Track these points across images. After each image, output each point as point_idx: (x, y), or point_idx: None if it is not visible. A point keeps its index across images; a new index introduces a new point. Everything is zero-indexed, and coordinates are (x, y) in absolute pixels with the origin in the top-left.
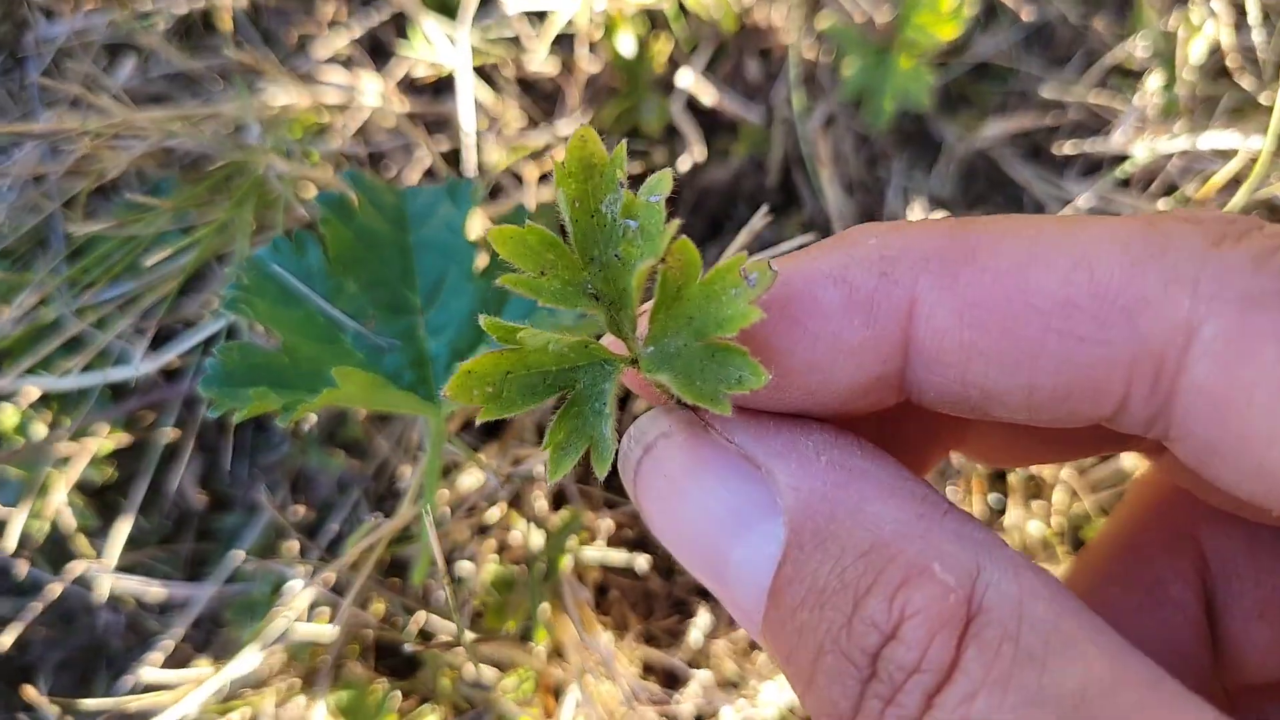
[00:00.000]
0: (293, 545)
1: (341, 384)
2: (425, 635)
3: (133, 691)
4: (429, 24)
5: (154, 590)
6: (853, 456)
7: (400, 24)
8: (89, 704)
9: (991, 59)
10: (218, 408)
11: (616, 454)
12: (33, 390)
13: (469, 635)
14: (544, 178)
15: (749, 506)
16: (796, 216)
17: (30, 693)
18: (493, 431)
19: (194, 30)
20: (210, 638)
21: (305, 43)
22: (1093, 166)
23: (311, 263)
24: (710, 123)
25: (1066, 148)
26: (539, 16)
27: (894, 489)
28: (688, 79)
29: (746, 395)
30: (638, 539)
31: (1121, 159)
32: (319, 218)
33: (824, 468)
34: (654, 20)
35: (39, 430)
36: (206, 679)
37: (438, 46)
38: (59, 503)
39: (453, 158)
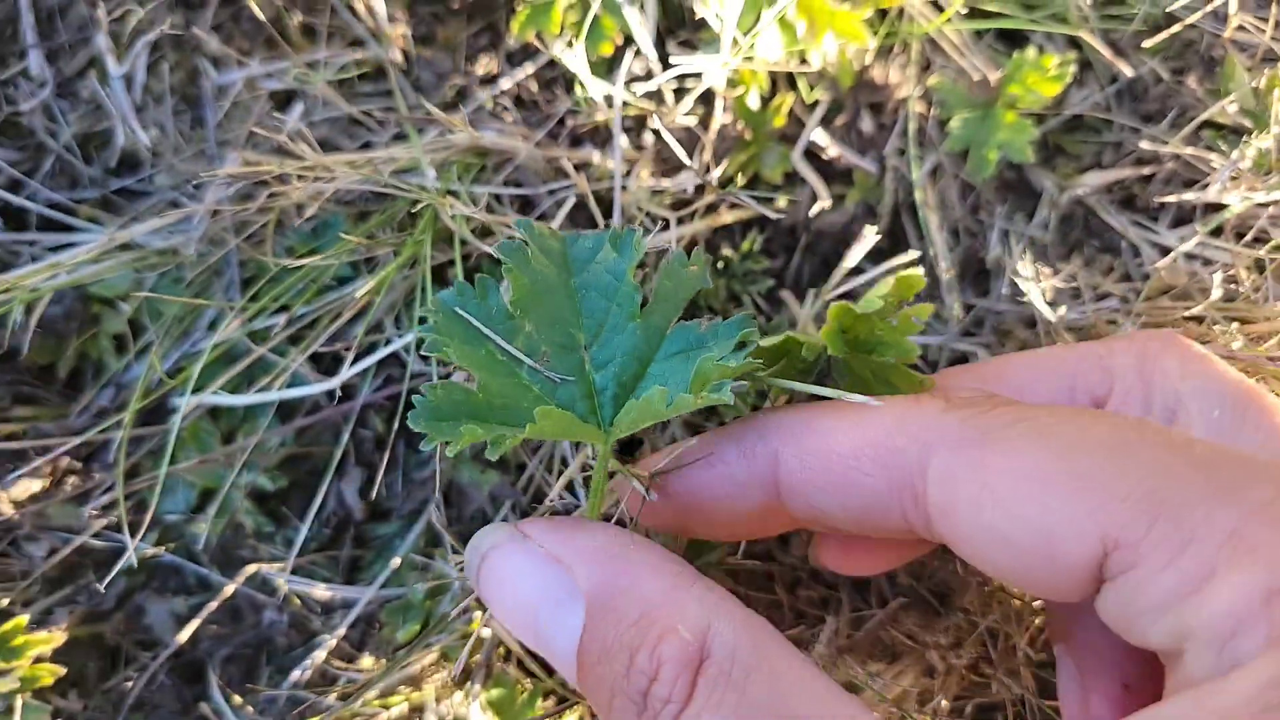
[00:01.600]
0: (446, 553)
1: (540, 421)
2: None
3: (305, 684)
4: (591, 82)
5: (319, 591)
6: (630, 548)
7: (541, 76)
8: (273, 692)
9: (1086, 113)
10: (430, 441)
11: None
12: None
13: None
14: (680, 221)
15: (559, 593)
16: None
17: (218, 687)
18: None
19: (350, 80)
20: (365, 637)
21: (459, 93)
22: (1184, 215)
23: (493, 305)
24: (826, 170)
25: (1161, 198)
26: (681, 76)
27: (658, 570)
28: (814, 130)
29: (654, 512)
30: (764, 551)
31: (1213, 207)
32: (503, 264)
33: (609, 560)
34: (776, 79)
35: (215, 443)
36: (375, 674)
37: (597, 102)
38: (235, 508)
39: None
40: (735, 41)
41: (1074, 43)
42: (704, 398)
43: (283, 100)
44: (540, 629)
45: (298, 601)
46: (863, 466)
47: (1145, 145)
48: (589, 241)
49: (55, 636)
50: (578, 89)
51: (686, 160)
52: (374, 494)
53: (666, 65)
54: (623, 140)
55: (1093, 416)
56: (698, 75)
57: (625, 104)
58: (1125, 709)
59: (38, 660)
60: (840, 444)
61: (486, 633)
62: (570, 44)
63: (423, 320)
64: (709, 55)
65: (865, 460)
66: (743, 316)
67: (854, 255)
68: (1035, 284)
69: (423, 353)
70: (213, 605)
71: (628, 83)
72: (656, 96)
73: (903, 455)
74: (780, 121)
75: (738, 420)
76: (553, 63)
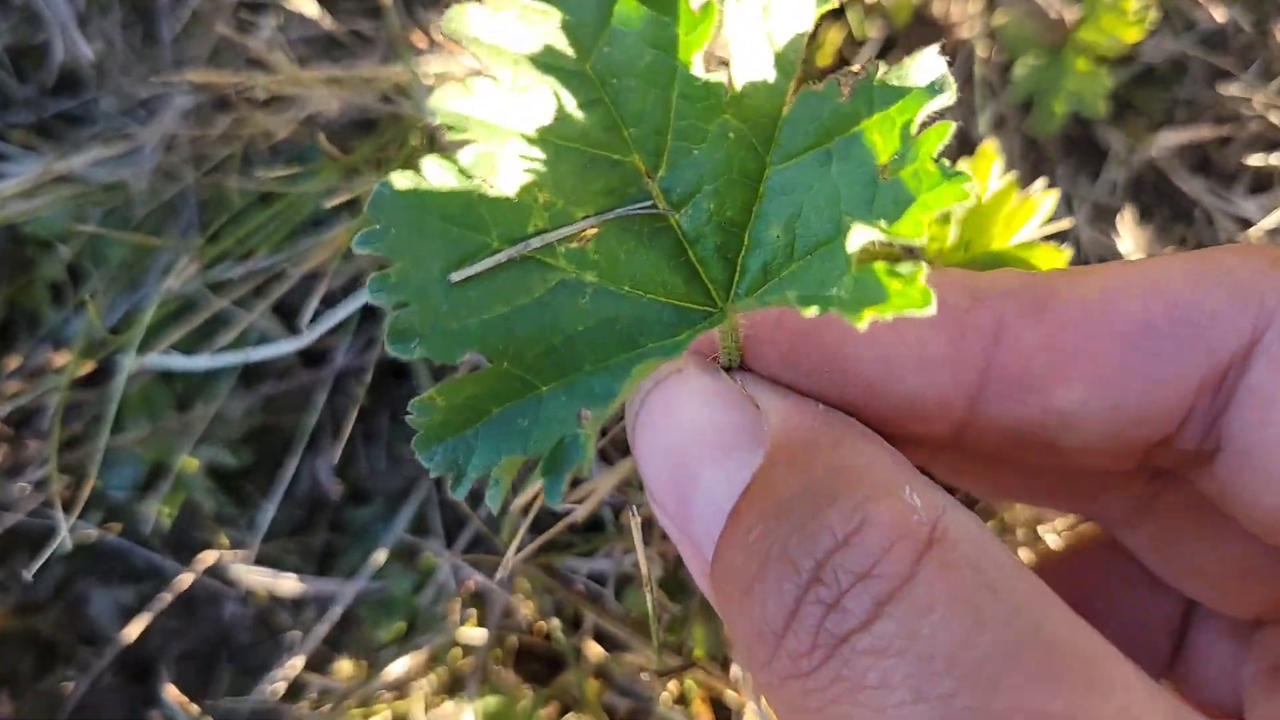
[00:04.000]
0: (435, 542)
1: (635, 379)
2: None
3: (273, 691)
4: None
5: (287, 583)
6: (844, 417)
7: None
8: (233, 702)
9: (1160, 64)
10: (458, 487)
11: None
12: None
13: (670, 662)
14: None
15: (734, 433)
16: None
17: (172, 692)
18: None
19: None
20: (343, 635)
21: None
22: (1264, 181)
23: (468, 178)
24: None
25: (1245, 160)
26: None
27: (875, 439)
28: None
29: (797, 367)
30: None
31: None
32: (465, 43)
33: (816, 412)
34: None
35: (168, 410)
36: (355, 681)
37: None
38: (191, 486)
39: None
40: None
41: None
42: (935, 194)
43: (250, 12)
44: (688, 472)
45: (263, 594)
46: (1157, 344)
47: (1229, 97)
48: None
49: None
50: None
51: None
52: (352, 472)
53: None
54: None
55: None
56: None
57: None
58: None
59: None
60: (1121, 313)
61: (480, 633)
62: None
63: (366, 221)
64: None
65: (1161, 335)
66: (927, 53)
67: None
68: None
69: (392, 353)
70: (165, 597)
71: None
72: None
73: (1223, 322)
74: (826, 60)
75: (932, 269)
76: None
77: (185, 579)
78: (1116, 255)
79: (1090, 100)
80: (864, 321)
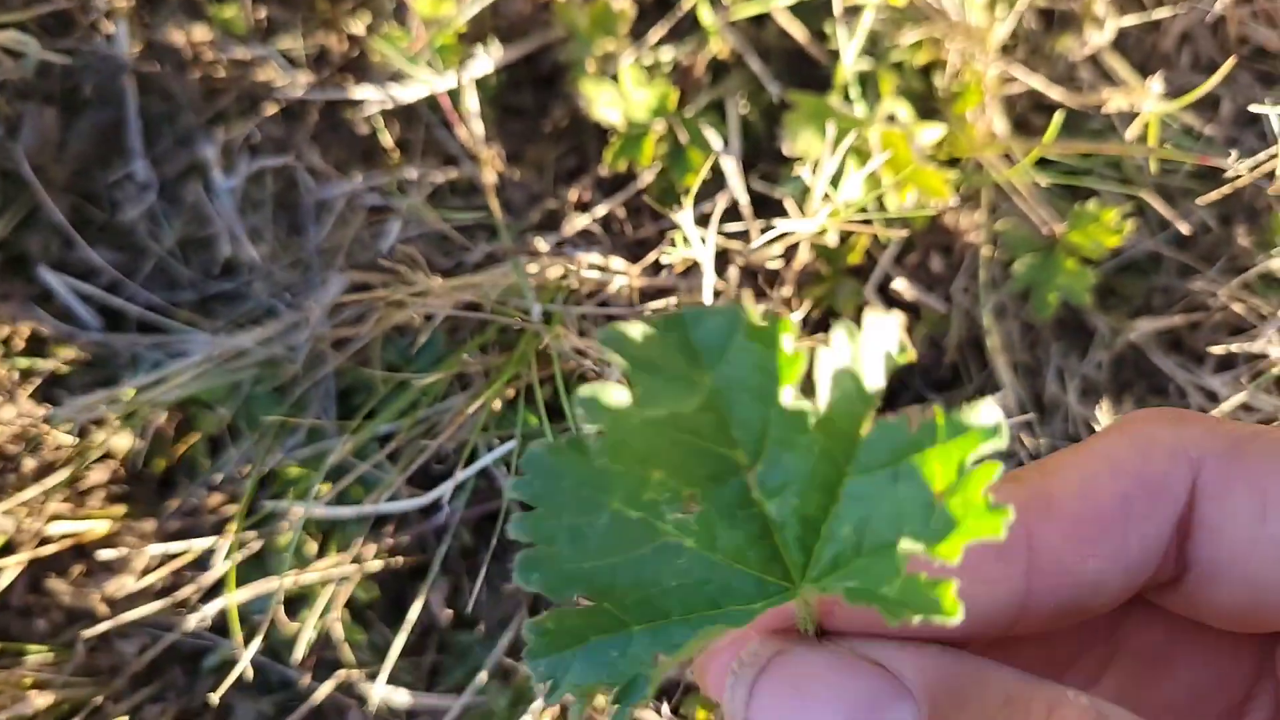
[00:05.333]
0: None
1: (700, 640)
2: None
3: None
4: (687, 224)
5: (402, 697)
6: (956, 651)
7: (634, 203)
8: None
9: (1139, 259)
10: (551, 696)
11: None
12: (296, 514)
13: None
14: None
15: (879, 694)
16: (960, 392)
17: None
18: None
19: (441, 196)
20: None
21: (549, 215)
22: (1229, 360)
23: (600, 455)
24: (896, 306)
25: (1212, 348)
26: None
27: (1004, 665)
28: (886, 268)
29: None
30: None
31: (1259, 356)
32: (611, 357)
33: (936, 653)
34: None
35: (311, 550)
36: None
37: (692, 243)
38: (331, 618)
39: None
40: (826, 196)
41: (1124, 197)
42: (978, 522)
43: (378, 216)
44: None
45: (384, 708)
46: (1137, 507)
47: (1197, 289)
48: (716, 320)
49: None
50: (677, 238)
51: (768, 292)
52: (459, 600)
53: (753, 204)
54: (712, 276)
55: None
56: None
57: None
58: None
59: None
60: (1104, 491)
61: None
62: (661, 174)
63: (518, 471)
64: (800, 220)
65: (1136, 499)
66: (989, 401)
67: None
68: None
69: (517, 582)
70: (302, 709)
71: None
72: (742, 235)
73: (1172, 479)
74: (856, 259)
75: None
76: (640, 191)
77: (320, 693)
78: (1099, 423)
79: (1078, 292)
80: (898, 621)
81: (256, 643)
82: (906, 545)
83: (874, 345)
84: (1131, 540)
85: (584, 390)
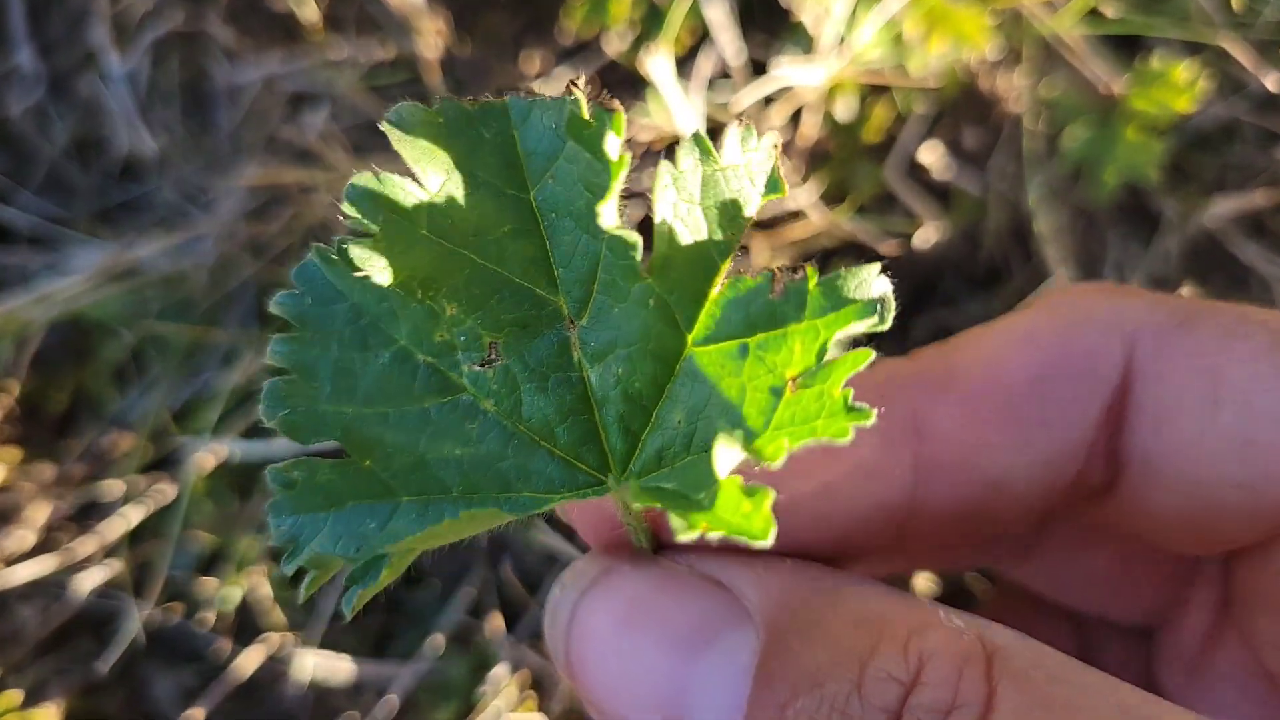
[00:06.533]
0: (496, 625)
1: (465, 521)
2: None
3: None
4: (669, 90)
5: (345, 665)
6: (813, 567)
7: (605, 77)
8: None
9: (1211, 130)
10: (289, 563)
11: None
12: (216, 456)
13: None
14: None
15: (712, 619)
16: (1000, 290)
17: None
18: None
19: (378, 78)
20: (403, 717)
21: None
22: None
23: (374, 265)
24: (920, 191)
25: None
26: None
27: (859, 577)
28: (910, 145)
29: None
30: None
31: None
32: (396, 143)
33: (790, 570)
34: (865, 89)
35: (229, 498)
36: None
37: (673, 112)
38: (257, 573)
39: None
40: (840, 40)
41: (1194, 49)
42: (828, 422)
43: (302, 103)
44: (675, 682)
45: (323, 678)
46: (1054, 388)
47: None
48: (546, 116)
49: (49, 714)
50: (649, 97)
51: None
52: None
53: (753, 68)
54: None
55: None
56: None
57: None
58: None
59: None
60: (1011, 368)
61: (539, 718)
62: (636, 42)
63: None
64: (802, 65)
65: (1050, 379)
66: (874, 269)
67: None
68: None
69: (262, 416)
70: (227, 680)
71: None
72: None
73: (1101, 357)
74: (874, 136)
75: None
76: (614, 63)
77: (247, 663)
78: None
79: (1142, 168)
80: (691, 535)
81: (173, 605)
82: (726, 442)
83: (739, 166)
84: (1047, 427)
85: (358, 178)
